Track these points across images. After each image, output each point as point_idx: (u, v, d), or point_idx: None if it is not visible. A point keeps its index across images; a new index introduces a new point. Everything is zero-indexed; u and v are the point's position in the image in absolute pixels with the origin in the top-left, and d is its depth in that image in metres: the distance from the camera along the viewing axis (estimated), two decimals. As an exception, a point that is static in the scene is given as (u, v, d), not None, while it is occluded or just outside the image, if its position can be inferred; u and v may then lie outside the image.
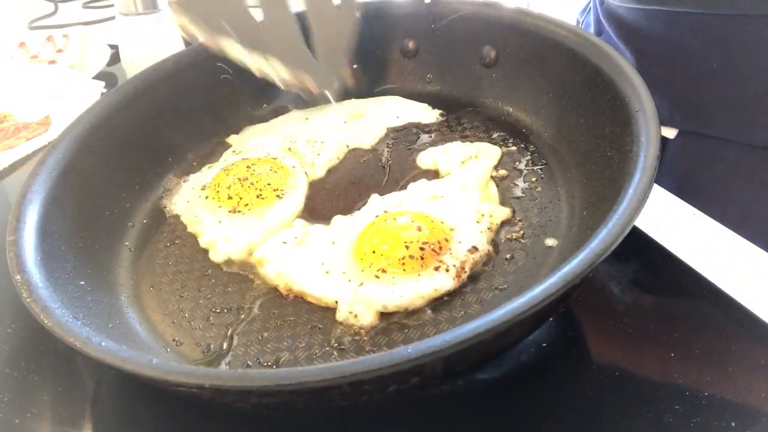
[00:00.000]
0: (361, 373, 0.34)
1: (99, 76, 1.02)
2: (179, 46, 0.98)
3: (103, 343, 0.38)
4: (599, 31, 0.90)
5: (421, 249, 0.51)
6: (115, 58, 1.06)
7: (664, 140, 0.83)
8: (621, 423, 0.43)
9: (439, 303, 0.50)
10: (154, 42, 0.95)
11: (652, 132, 0.47)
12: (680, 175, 0.82)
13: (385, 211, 0.57)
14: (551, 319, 0.44)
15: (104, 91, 0.98)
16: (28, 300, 0.43)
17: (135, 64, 0.97)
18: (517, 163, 0.63)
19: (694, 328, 0.51)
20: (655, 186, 0.48)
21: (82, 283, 0.51)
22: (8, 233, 0.48)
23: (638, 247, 0.57)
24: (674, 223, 0.61)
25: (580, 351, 0.49)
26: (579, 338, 0.50)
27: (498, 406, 0.45)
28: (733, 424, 0.42)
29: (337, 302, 0.51)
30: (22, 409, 0.47)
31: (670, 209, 0.64)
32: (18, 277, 0.45)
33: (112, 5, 0.97)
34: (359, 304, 0.50)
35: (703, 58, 0.74)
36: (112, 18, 1.03)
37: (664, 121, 0.81)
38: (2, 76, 1.03)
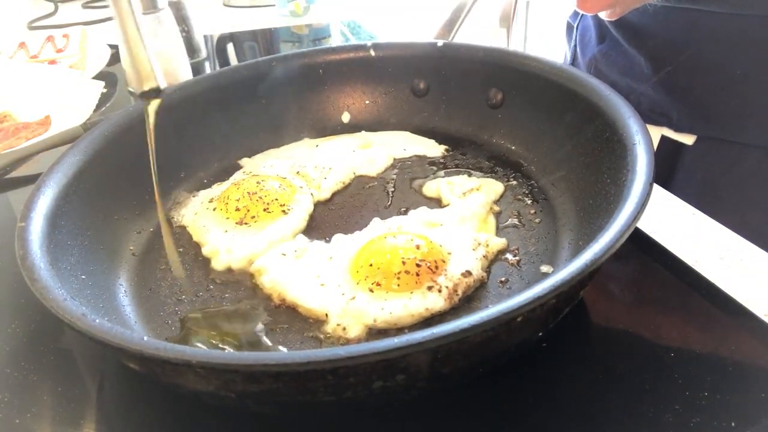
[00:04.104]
0: (346, 359, 0.34)
1: (99, 76, 1.01)
2: (179, 46, 0.99)
3: (97, 320, 0.39)
4: (602, 37, 0.86)
5: (418, 266, 0.52)
6: (115, 58, 1.07)
7: (681, 147, 0.81)
8: (621, 423, 0.43)
9: (433, 322, 0.50)
10: (154, 42, 0.94)
11: (646, 162, 0.48)
12: (699, 182, 0.80)
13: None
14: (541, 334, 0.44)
15: (104, 91, 0.98)
16: (30, 279, 0.44)
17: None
18: (517, 196, 0.65)
19: (694, 327, 0.50)
20: (656, 186, 0.48)
21: (83, 277, 0.52)
22: (19, 220, 0.50)
23: (638, 247, 0.57)
24: (674, 223, 0.62)
25: (579, 351, 0.49)
26: (579, 338, 0.50)
27: (496, 405, 0.45)
28: (733, 424, 0.41)
29: (327, 314, 0.51)
30: (22, 409, 0.47)
31: (670, 209, 0.64)
32: (23, 258, 0.46)
33: (112, 5, 1.00)
34: (348, 317, 0.50)
35: (726, 63, 0.72)
36: (112, 18, 1.05)
37: (682, 128, 0.80)
38: (2, 76, 1.01)
